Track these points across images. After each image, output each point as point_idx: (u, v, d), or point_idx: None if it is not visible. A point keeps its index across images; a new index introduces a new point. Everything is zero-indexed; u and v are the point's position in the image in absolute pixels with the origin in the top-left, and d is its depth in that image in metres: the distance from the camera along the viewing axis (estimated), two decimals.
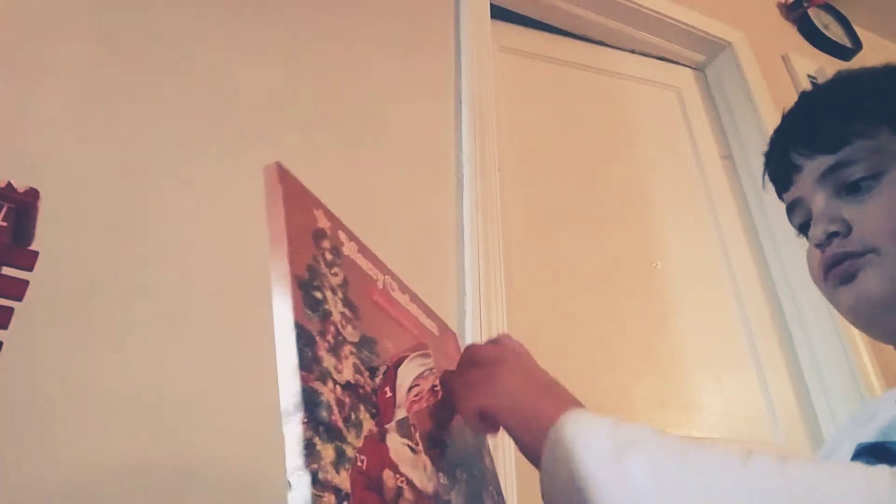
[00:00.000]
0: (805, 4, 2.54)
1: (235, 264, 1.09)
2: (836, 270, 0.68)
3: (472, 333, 1.27)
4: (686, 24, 2.11)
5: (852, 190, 0.69)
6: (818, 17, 2.57)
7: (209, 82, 1.24)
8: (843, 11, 2.67)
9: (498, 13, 1.81)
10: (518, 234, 1.53)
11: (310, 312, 0.45)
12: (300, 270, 0.46)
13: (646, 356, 1.56)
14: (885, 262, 0.65)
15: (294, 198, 0.50)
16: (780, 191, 0.79)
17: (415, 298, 0.65)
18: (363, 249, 0.58)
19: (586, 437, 0.48)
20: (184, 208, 1.11)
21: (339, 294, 0.50)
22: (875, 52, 2.69)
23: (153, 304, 1.01)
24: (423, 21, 1.61)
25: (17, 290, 0.72)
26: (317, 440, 0.40)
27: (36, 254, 0.73)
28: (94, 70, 1.15)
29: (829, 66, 2.39)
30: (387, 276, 0.60)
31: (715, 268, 1.80)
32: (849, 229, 0.68)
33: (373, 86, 1.43)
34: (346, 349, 0.47)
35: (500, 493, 0.63)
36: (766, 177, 0.82)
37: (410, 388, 0.51)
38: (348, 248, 0.55)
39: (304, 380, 0.41)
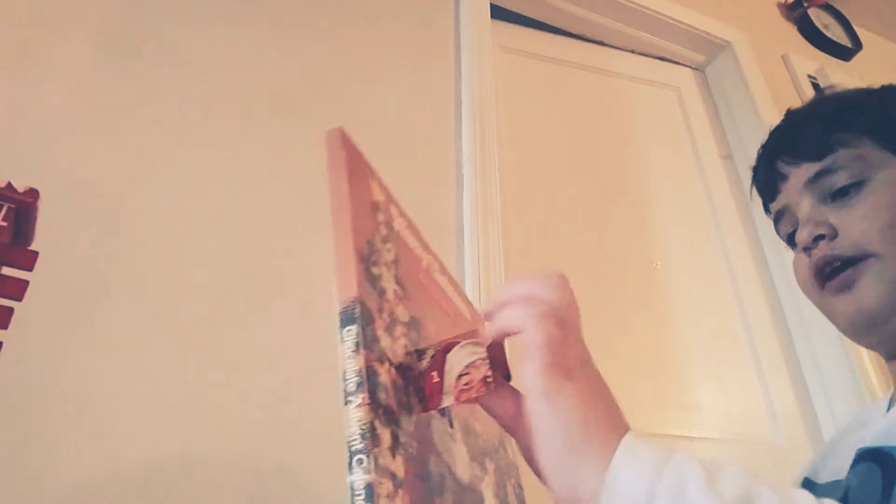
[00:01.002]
0: (805, 4, 2.54)
1: (235, 263, 1.08)
2: (838, 279, 0.68)
3: None
4: (686, 24, 2.11)
5: (837, 196, 0.70)
6: (818, 17, 2.57)
7: (209, 83, 1.24)
8: (842, 11, 2.67)
9: (498, 13, 1.81)
10: (518, 234, 1.52)
11: (370, 288, 0.43)
12: (361, 244, 0.44)
13: (646, 356, 1.56)
14: (885, 266, 0.65)
15: (355, 166, 0.48)
16: (767, 201, 0.81)
17: (452, 281, 0.62)
18: (411, 226, 0.56)
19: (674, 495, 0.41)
20: (184, 208, 1.11)
21: (392, 271, 0.47)
22: (875, 52, 2.69)
23: (153, 303, 1.01)
24: (424, 21, 1.60)
25: (17, 290, 0.72)
26: (377, 423, 0.38)
27: (36, 254, 0.73)
28: (95, 70, 1.15)
29: (829, 66, 2.39)
30: (430, 256, 0.58)
31: (715, 268, 1.80)
32: (835, 233, 0.69)
33: (374, 85, 1.43)
34: (399, 329, 0.45)
35: (520, 487, 0.62)
36: (754, 189, 0.84)
37: (460, 376, 0.49)
38: (399, 224, 0.53)
39: (366, 359, 0.40)
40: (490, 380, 0.48)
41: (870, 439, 0.61)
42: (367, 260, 0.44)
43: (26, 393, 0.88)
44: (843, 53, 2.56)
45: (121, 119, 1.13)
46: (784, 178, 0.76)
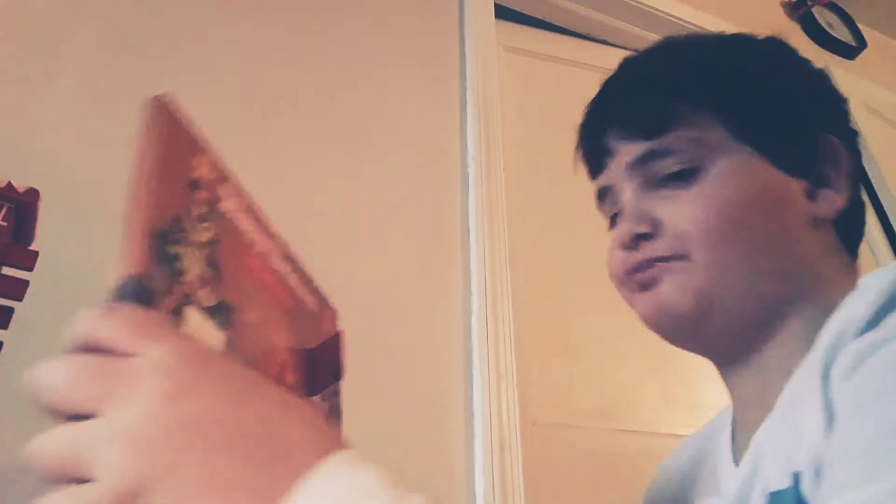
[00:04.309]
0: (809, 3, 2.53)
1: None
2: (642, 274, 0.59)
3: (479, 333, 1.25)
4: (690, 23, 2.10)
5: (668, 181, 0.59)
6: (822, 16, 2.56)
7: (212, 82, 1.23)
8: (847, 10, 2.66)
9: (502, 13, 1.80)
10: (524, 234, 1.51)
11: (159, 267, 0.39)
12: (160, 221, 0.40)
13: (651, 355, 1.54)
14: (692, 269, 0.56)
15: (175, 139, 0.44)
16: (592, 173, 0.70)
17: (298, 270, 0.58)
18: (250, 209, 0.52)
19: None
20: None
21: (204, 252, 0.44)
22: (880, 51, 2.68)
23: None
24: (428, 21, 1.60)
25: (17, 290, 0.71)
26: None
27: (36, 254, 0.72)
28: (95, 69, 1.14)
29: (833, 65, 2.38)
30: (271, 242, 0.54)
31: None
32: (659, 230, 0.58)
33: (378, 86, 1.42)
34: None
35: None
36: (579, 153, 0.72)
37: None
38: (229, 205, 0.49)
39: None
40: None
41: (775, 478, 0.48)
42: (163, 237, 0.40)
43: (26, 394, 0.87)
44: (848, 52, 2.54)
45: (123, 118, 1.12)
46: (610, 153, 0.64)
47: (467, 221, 1.36)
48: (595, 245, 1.62)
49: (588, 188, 1.75)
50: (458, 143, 1.46)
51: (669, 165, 0.59)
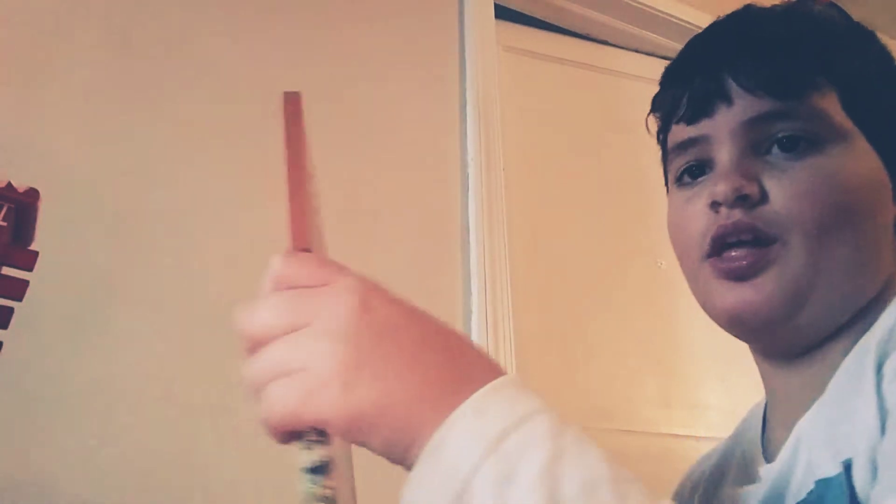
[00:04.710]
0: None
1: (237, 263, 1.08)
2: (740, 266, 0.52)
3: (479, 333, 1.26)
4: (690, 23, 2.10)
5: (780, 146, 0.54)
6: None
7: (212, 82, 1.23)
8: (846, 10, 2.66)
9: (502, 13, 1.80)
10: (523, 234, 1.52)
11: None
12: (311, 203, 0.42)
13: (651, 355, 1.55)
14: (790, 259, 0.51)
15: (300, 134, 0.45)
16: (685, 117, 0.60)
17: None
18: (317, 213, 0.54)
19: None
20: (185, 208, 1.10)
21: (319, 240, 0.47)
22: None
23: (154, 303, 1.00)
24: (428, 21, 1.60)
25: (17, 290, 0.71)
26: None
27: (36, 254, 0.72)
28: (96, 70, 1.14)
29: None
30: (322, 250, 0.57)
31: None
32: (762, 199, 0.53)
33: (378, 86, 1.42)
34: None
35: None
36: (679, 93, 0.61)
37: None
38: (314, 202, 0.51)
39: None
40: None
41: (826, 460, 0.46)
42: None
43: (26, 393, 0.87)
44: None
45: (122, 118, 1.12)
46: (730, 102, 0.56)
47: (467, 221, 1.37)
48: (594, 246, 1.63)
49: (587, 187, 1.74)
50: (458, 143, 1.46)
51: (785, 130, 0.54)
